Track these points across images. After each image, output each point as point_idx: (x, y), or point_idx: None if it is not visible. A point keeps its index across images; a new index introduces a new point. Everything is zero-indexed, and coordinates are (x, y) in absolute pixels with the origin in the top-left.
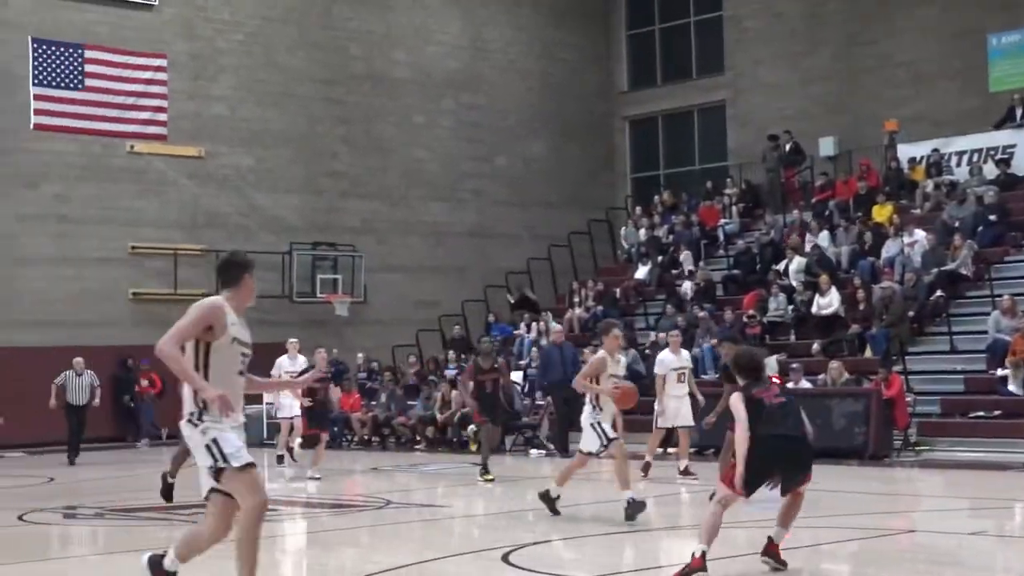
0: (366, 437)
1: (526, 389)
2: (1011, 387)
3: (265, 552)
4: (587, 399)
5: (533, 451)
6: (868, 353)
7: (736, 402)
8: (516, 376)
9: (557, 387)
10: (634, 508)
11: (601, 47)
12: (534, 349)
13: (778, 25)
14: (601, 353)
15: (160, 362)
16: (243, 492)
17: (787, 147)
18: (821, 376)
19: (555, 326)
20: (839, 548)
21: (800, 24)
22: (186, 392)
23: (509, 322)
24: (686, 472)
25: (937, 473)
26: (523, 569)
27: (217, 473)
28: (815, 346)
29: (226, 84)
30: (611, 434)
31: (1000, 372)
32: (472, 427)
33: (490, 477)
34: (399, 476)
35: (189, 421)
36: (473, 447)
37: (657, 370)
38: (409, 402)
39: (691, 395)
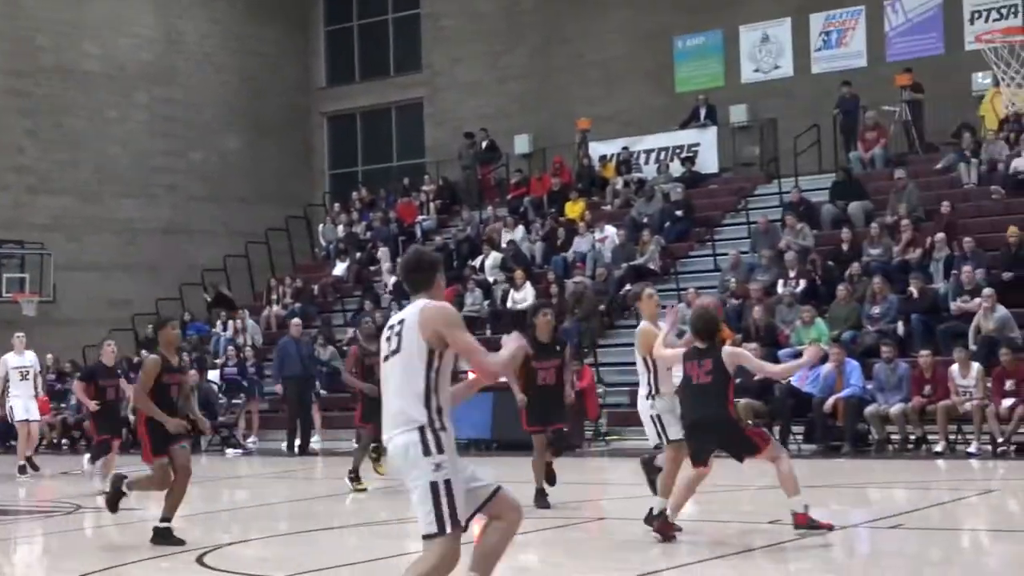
0: (55, 441)
1: (223, 388)
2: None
3: None
4: (642, 382)
5: (229, 450)
6: None
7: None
8: (213, 375)
9: (295, 381)
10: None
11: (299, 42)
12: (230, 347)
13: (475, 23)
14: (644, 324)
15: None
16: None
17: (483, 144)
18: None
19: (295, 320)
20: (534, 537)
21: (497, 23)
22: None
23: (206, 321)
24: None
25: (626, 461)
26: (217, 570)
27: None
28: None
29: None
30: (673, 435)
31: None
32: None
33: (362, 487)
34: (90, 481)
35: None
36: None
37: None
38: None
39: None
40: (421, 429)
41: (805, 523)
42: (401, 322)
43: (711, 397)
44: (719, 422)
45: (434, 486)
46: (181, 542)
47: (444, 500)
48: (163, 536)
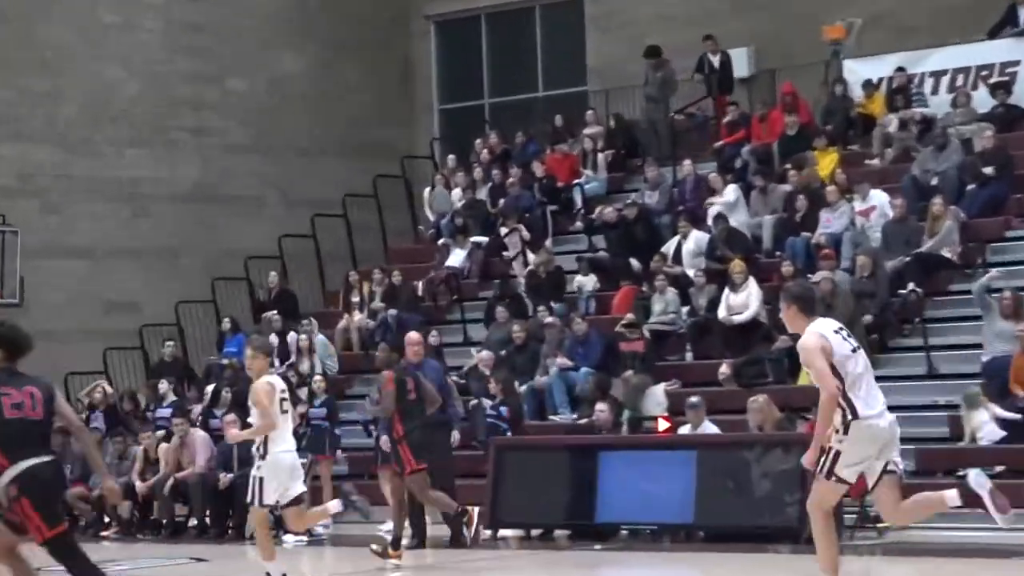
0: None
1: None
2: None
3: None
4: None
5: (289, 537)
6: None
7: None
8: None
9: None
10: None
11: None
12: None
13: None
14: None
15: None
16: None
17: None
18: (737, 417)
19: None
20: None
21: None
22: None
23: (255, 331)
24: None
25: (906, 562)
26: None
27: None
28: (724, 368)
29: None
30: None
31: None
32: None
33: None
34: None
35: None
36: None
37: None
38: None
39: None
40: None
41: None
42: None
43: None
44: None
45: None
46: None
47: None
48: None
